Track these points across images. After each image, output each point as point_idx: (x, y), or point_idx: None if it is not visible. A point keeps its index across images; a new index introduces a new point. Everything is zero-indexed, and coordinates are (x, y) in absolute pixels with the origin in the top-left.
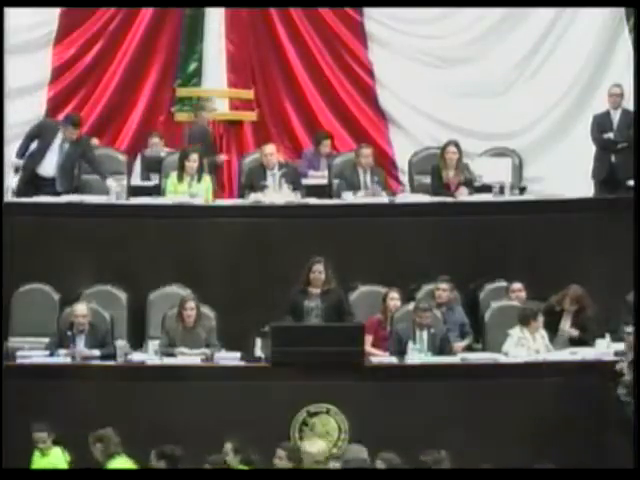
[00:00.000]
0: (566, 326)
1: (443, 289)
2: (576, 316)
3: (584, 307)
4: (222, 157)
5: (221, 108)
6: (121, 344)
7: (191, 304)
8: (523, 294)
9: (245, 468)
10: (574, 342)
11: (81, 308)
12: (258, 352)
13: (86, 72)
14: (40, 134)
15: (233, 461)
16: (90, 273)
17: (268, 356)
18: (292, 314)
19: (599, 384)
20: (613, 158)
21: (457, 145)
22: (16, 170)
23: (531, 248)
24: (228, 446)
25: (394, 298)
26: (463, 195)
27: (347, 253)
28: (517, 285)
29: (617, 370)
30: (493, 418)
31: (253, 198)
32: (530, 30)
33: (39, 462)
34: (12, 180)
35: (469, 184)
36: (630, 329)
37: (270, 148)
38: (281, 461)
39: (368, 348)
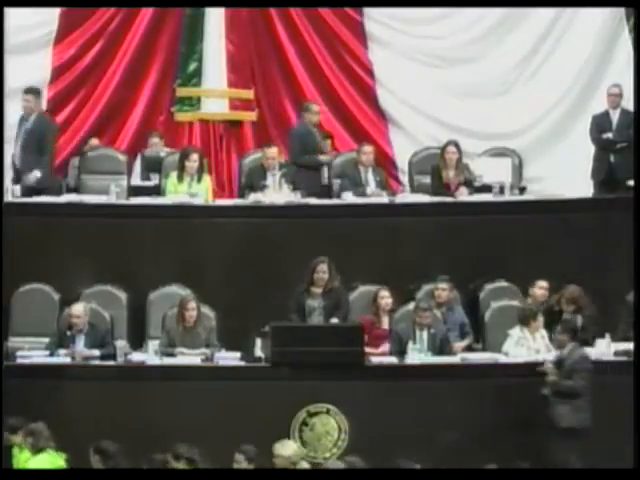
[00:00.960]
0: None
1: (443, 289)
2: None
3: (581, 307)
4: (326, 157)
5: (221, 108)
6: (121, 344)
7: (192, 304)
8: (547, 293)
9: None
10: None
11: (77, 308)
12: (258, 352)
13: (86, 72)
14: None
15: (178, 466)
16: (90, 273)
17: (268, 356)
18: (297, 313)
19: (599, 384)
20: (612, 158)
21: (457, 145)
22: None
23: (531, 248)
24: (169, 456)
25: (385, 297)
26: (463, 195)
27: (347, 253)
28: (544, 283)
29: (542, 370)
30: (493, 418)
31: (253, 198)
32: (530, 30)
33: (20, 457)
34: (13, 184)
35: (469, 184)
36: (559, 328)
37: (272, 152)
38: (239, 465)
39: (365, 348)
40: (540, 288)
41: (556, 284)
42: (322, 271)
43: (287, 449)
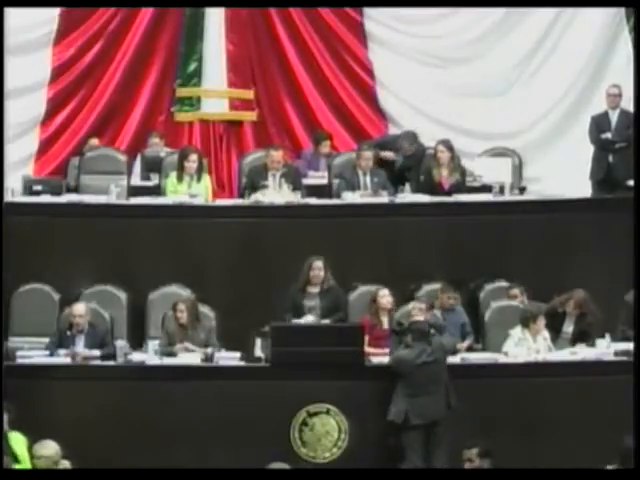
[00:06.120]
0: (569, 328)
1: (455, 298)
2: (578, 321)
3: (585, 313)
4: None
5: (221, 108)
6: (121, 344)
7: (181, 306)
8: (521, 299)
9: None
10: (575, 342)
11: (79, 308)
12: (258, 352)
13: (86, 72)
14: None
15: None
16: (90, 273)
17: (268, 356)
18: (292, 312)
19: (599, 384)
20: (611, 158)
21: (448, 144)
22: None
23: (531, 248)
24: None
25: (385, 295)
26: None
27: (347, 253)
28: (515, 290)
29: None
30: (493, 418)
31: (253, 198)
32: (530, 30)
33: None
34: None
35: (463, 182)
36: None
37: (278, 156)
38: None
39: (367, 348)
40: (511, 296)
41: (556, 284)
42: (318, 268)
43: (47, 449)
